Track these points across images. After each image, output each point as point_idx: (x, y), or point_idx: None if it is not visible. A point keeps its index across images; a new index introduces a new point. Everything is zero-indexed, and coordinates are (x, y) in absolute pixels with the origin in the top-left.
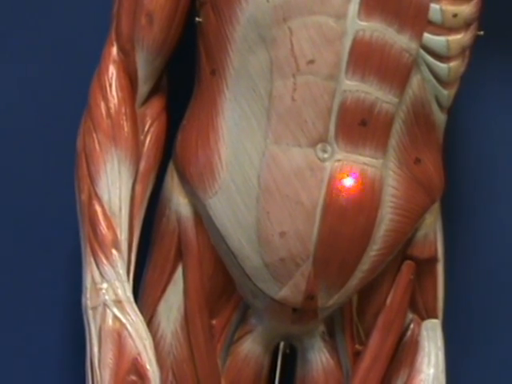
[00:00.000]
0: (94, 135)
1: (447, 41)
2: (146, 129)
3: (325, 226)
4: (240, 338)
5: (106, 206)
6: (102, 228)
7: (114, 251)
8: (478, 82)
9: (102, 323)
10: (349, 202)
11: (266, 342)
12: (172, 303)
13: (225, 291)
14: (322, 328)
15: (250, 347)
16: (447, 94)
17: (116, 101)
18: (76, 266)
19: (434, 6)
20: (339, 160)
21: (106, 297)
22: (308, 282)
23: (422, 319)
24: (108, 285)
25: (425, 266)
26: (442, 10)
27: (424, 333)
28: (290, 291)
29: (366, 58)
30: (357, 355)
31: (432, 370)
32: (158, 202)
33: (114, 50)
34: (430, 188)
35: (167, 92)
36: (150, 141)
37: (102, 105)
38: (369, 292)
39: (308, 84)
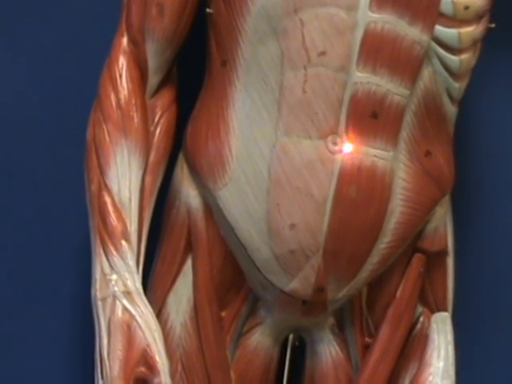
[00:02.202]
0: (104, 126)
1: (459, 33)
2: (156, 120)
3: (335, 219)
4: (249, 330)
5: (116, 197)
6: (111, 219)
7: (123, 242)
8: (489, 74)
9: (111, 315)
10: (359, 194)
11: (276, 335)
12: (181, 295)
13: (234, 283)
14: (331, 320)
15: (260, 339)
16: (458, 87)
17: (126, 92)
18: (85, 257)
19: None
20: (350, 152)
21: (116, 288)
22: (318, 274)
23: (432, 312)
24: (117, 276)
25: (435, 259)
26: (453, 2)
27: (434, 326)
28: (299, 283)
29: (377, 50)
30: (366, 348)
31: (441, 363)
32: (168, 193)
33: (125, 40)
34: (440, 181)
35: (177, 83)
36: (159, 132)
37: (112, 96)
38: (379, 285)
39: (319, 76)
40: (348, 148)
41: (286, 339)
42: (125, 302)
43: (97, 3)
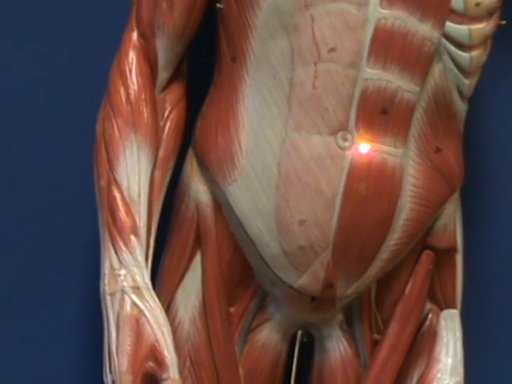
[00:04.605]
0: (114, 121)
1: (469, 30)
2: (165, 115)
3: (344, 215)
4: (258, 326)
5: (125, 192)
6: (120, 214)
7: (132, 237)
8: (499, 71)
9: (120, 309)
10: (369, 190)
11: (284, 331)
12: (190, 290)
13: (243, 279)
14: (340, 317)
15: (268, 335)
16: (468, 84)
17: (136, 87)
18: (94, 252)
19: None
20: (360, 148)
21: (125, 283)
22: (327, 270)
23: (441, 309)
24: (126, 271)
25: (444, 256)
26: None
27: (442, 323)
28: (308, 280)
29: (388, 47)
30: (375, 344)
31: (450, 360)
32: (177, 188)
33: (135, 35)
34: (450, 177)
35: (187, 78)
36: (169, 127)
37: (122, 90)
38: (388, 281)
39: (329, 72)
40: (358, 144)
41: (295, 335)
42: (133, 296)
43: None
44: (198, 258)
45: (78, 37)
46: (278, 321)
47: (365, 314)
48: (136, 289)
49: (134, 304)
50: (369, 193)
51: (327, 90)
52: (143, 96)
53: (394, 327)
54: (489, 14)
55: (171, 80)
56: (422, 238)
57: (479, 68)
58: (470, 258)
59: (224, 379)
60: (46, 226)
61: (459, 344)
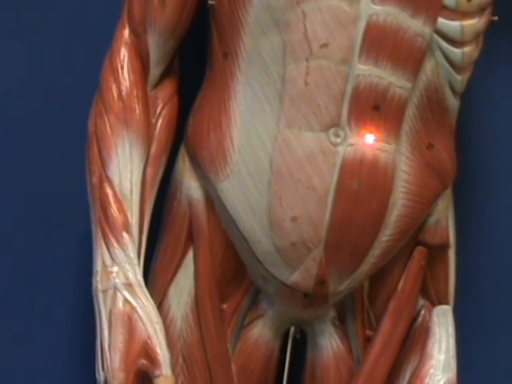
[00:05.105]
0: (106, 118)
1: (461, 26)
2: (157, 112)
3: (337, 211)
4: (250, 323)
5: (117, 189)
6: (112, 211)
7: (124, 234)
8: (491, 67)
9: (112, 306)
10: (361, 186)
11: (277, 327)
12: (182, 287)
13: (236, 275)
14: (332, 313)
15: (261, 332)
16: (460, 80)
17: (128, 83)
18: (87, 249)
19: None
20: (352, 145)
21: (117, 280)
22: (319, 266)
23: (433, 305)
24: (118, 268)
25: (436, 252)
26: None
27: (435, 319)
28: (301, 276)
29: (380, 43)
30: (367, 341)
31: (443, 356)
32: (169, 185)
33: (126, 32)
34: (442, 173)
35: (179, 75)
36: (161, 124)
37: (114, 87)
38: (380, 277)
39: (321, 68)
40: (350, 140)
41: (287, 332)
42: (126, 293)
43: None
44: (190, 255)
45: (69, 34)
46: (270, 317)
47: (357, 311)
48: (128, 286)
49: (126, 301)
50: (361, 189)
51: (319, 86)
52: (135, 93)
53: (386, 323)
54: (481, 10)
55: (163, 77)
56: (414, 234)
57: (471, 64)
58: (463, 254)
59: (217, 376)
60: (39, 223)
61: (452, 340)
